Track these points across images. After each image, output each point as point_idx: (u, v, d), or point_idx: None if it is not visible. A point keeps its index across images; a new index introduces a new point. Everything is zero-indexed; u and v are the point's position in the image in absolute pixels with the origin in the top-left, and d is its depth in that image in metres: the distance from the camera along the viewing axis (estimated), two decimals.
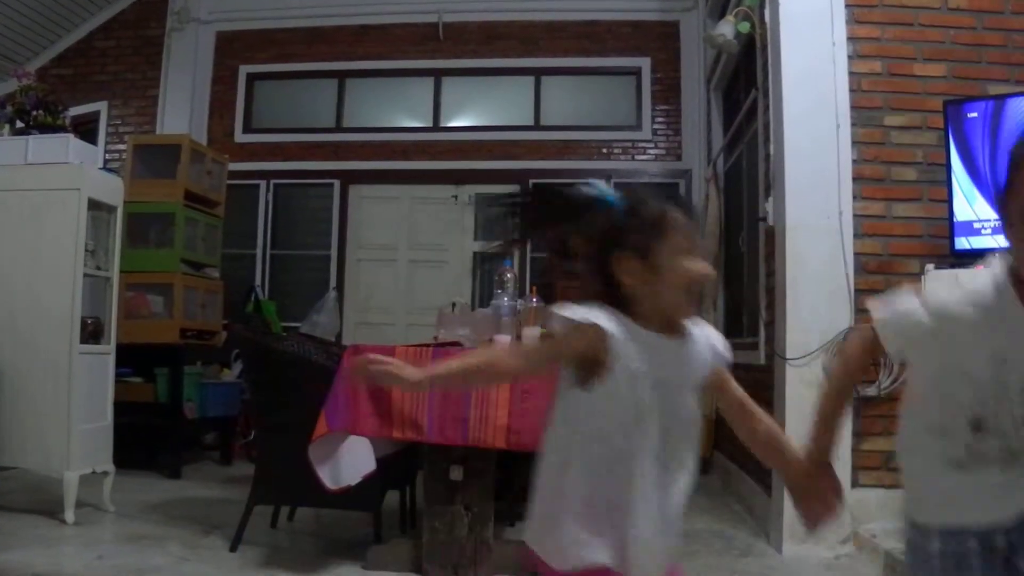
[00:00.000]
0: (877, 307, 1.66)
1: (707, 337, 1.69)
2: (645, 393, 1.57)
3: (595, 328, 1.55)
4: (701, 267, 1.59)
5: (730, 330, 6.52)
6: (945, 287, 1.58)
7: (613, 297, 1.60)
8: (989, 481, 1.53)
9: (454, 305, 4.58)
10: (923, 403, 1.66)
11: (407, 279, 8.17)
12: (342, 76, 8.43)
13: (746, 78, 5.86)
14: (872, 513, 4.04)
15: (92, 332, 4.63)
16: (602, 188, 1.66)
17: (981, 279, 1.55)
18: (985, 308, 1.52)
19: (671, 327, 1.63)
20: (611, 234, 1.61)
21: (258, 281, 8.07)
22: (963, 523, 1.55)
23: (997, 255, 1.57)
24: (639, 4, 8.08)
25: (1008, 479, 1.52)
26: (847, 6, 4.29)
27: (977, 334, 1.52)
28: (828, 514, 1.75)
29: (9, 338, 4.40)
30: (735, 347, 5.96)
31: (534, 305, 3.87)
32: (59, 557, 3.70)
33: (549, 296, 1.67)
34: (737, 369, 5.73)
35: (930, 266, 3.68)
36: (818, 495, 1.74)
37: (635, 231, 1.59)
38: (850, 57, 4.26)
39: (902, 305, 1.61)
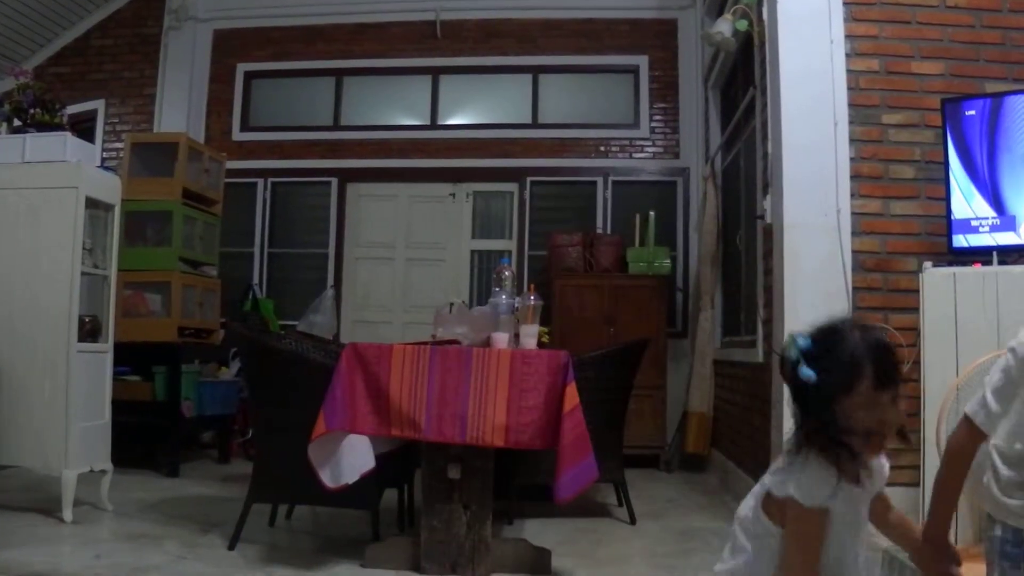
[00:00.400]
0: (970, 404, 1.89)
1: (881, 468, 1.82)
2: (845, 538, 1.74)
3: (824, 513, 1.68)
4: (883, 418, 1.67)
5: (728, 328, 6.53)
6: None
7: (833, 444, 1.67)
8: None
9: (452, 304, 4.58)
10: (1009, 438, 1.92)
11: (405, 277, 8.17)
12: (340, 74, 8.42)
13: (744, 76, 5.86)
14: None
15: (90, 331, 4.62)
16: (792, 342, 1.71)
17: None
18: None
19: (861, 470, 1.71)
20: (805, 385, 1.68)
21: (256, 279, 8.06)
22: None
23: None
24: (637, 2, 8.07)
25: None
26: (845, 4, 4.29)
27: None
28: None
29: (7, 337, 4.39)
30: (733, 345, 5.99)
31: (532, 303, 3.86)
32: (57, 556, 3.70)
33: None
34: (735, 367, 5.77)
35: (928, 264, 3.68)
36: (941, 570, 1.90)
37: (824, 379, 1.66)
38: (848, 55, 4.27)
39: (989, 386, 1.88)
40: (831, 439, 1.66)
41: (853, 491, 1.70)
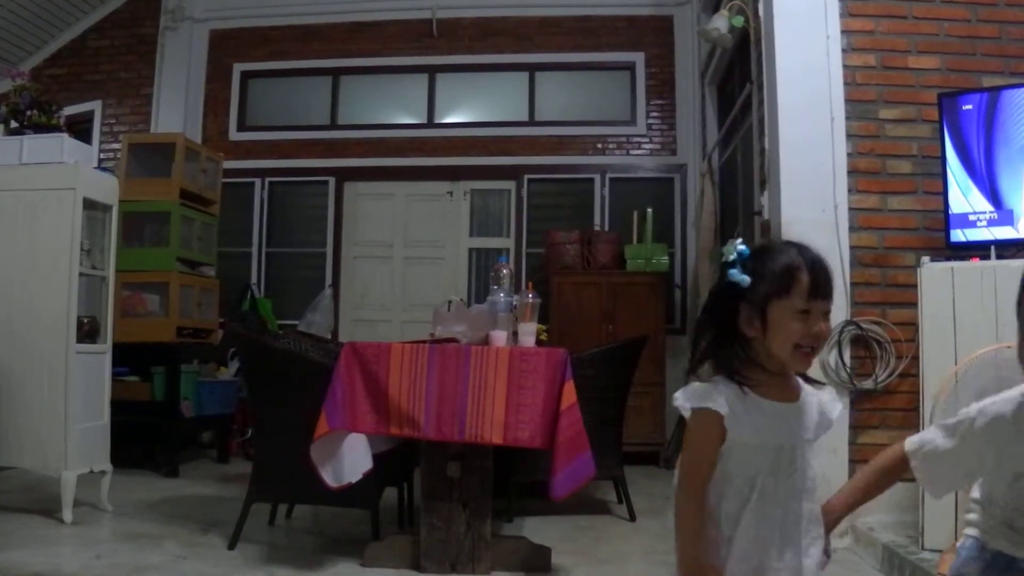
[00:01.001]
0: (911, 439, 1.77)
1: (819, 403, 1.76)
2: (762, 463, 1.66)
3: (712, 416, 1.64)
4: (814, 330, 1.64)
5: None
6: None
7: (735, 355, 1.68)
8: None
9: (450, 303, 4.58)
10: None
11: (403, 276, 8.17)
12: (336, 73, 8.41)
13: (740, 72, 5.86)
14: (869, 506, 4.02)
15: (88, 331, 4.62)
16: (732, 247, 1.71)
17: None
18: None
19: (786, 389, 1.70)
20: (732, 288, 1.68)
21: (254, 279, 8.06)
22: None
23: None
24: None
25: None
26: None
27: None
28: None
29: (5, 338, 4.39)
30: None
31: (530, 301, 3.87)
32: (57, 556, 3.70)
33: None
34: None
35: (926, 259, 3.68)
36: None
37: (757, 285, 1.66)
38: (844, 50, 4.27)
39: (928, 435, 1.74)
40: (732, 347, 1.68)
41: (781, 413, 1.68)
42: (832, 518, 1.77)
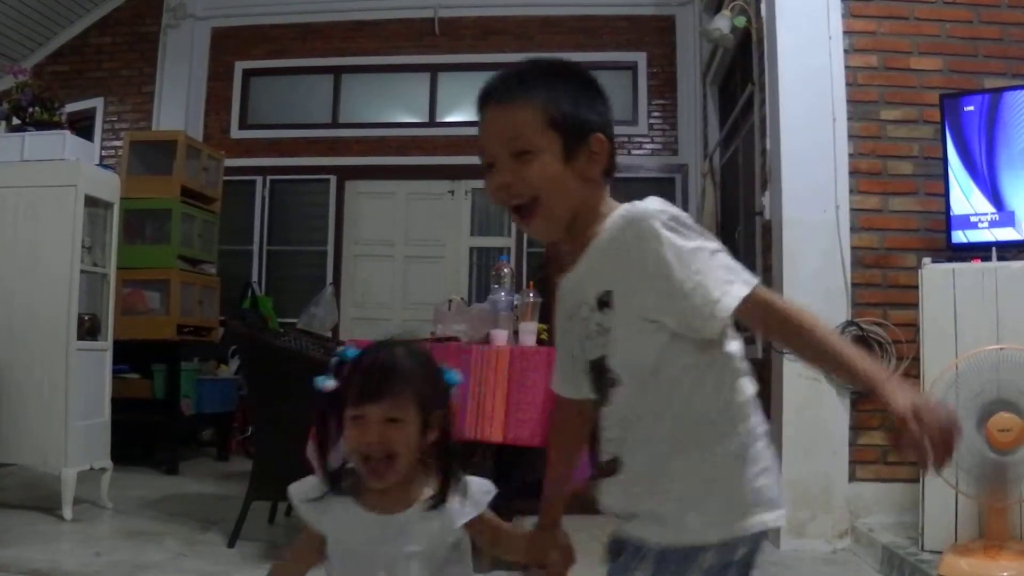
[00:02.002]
0: None
1: (448, 511, 1.60)
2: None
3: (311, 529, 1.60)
4: (364, 439, 1.51)
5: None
6: None
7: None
8: None
9: (451, 301, 4.57)
10: None
11: (403, 274, 8.17)
12: (338, 72, 8.41)
13: (742, 73, 5.86)
14: (869, 507, 4.05)
15: (89, 329, 4.62)
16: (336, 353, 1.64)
17: None
18: None
19: (394, 499, 1.57)
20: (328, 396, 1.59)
21: (255, 277, 8.06)
22: None
23: None
24: None
25: None
26: (843, 0, 4.29)
27: None
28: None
29: (6, 335, 4.39)
30: None
31: (531, 300, 3.86)
32: (57, 553, 3.70)
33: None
34: None
35: (927, 260, 3.68)
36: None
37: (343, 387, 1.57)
38: (846, 51, 4.26)
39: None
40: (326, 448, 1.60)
41: (372, 523, 1.56)
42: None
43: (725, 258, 1.38)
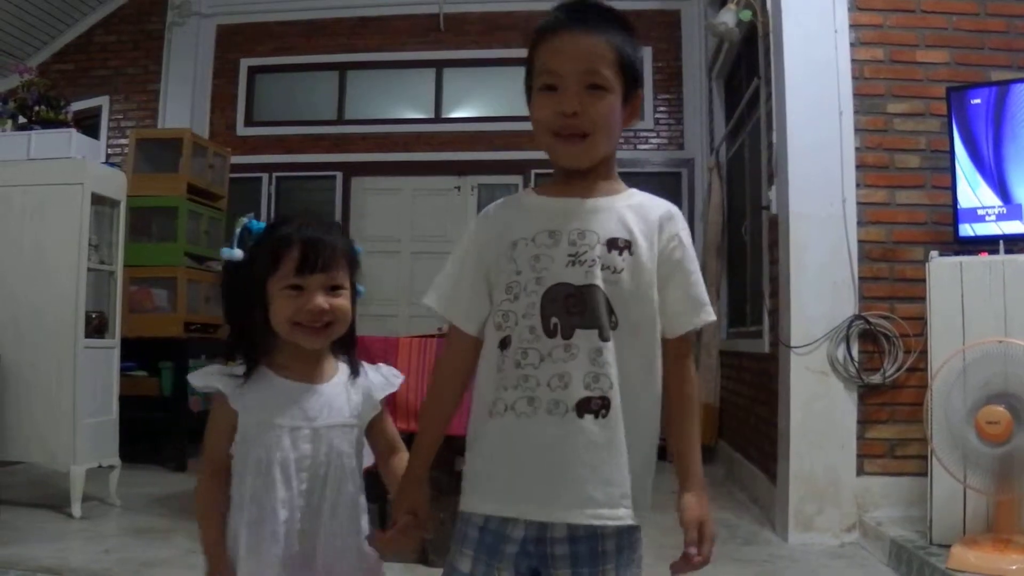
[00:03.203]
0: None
1: (366, 385, 1.69)
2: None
3: (218, 398, 1.61)
4: (299, 306, 1.57)
5: (734, 319, 6.52)
6: None
7: (254, 335, 1.63)
8: None
9: None
10: None
11: (410, 270, 8.17)
12: (343, 68, 8.41)
13: (748, 66, 5.84)
14: (877, 500, 4.05)
15: (96, 326, 4.63)
16: (239, 221, 1.70)
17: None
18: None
19: (313, 370, 1.63)
20: (243, 265, 1.64)
21: None
22: None
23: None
24: None
25: None
26: None
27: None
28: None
29: (14, 333, 4.40)
30: (739, 336, 5.98)
31: None
32: (65, 551, 3.71)
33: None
34: (741, 358, 5.76)
35: (934, 253, 3.67)
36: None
37: (255, 260, 1.62)
38: (852, 44, 4.25)
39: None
40: (238, 319, 1.64)
41: (292, 390, 1.60)
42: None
43: None
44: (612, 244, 1.44)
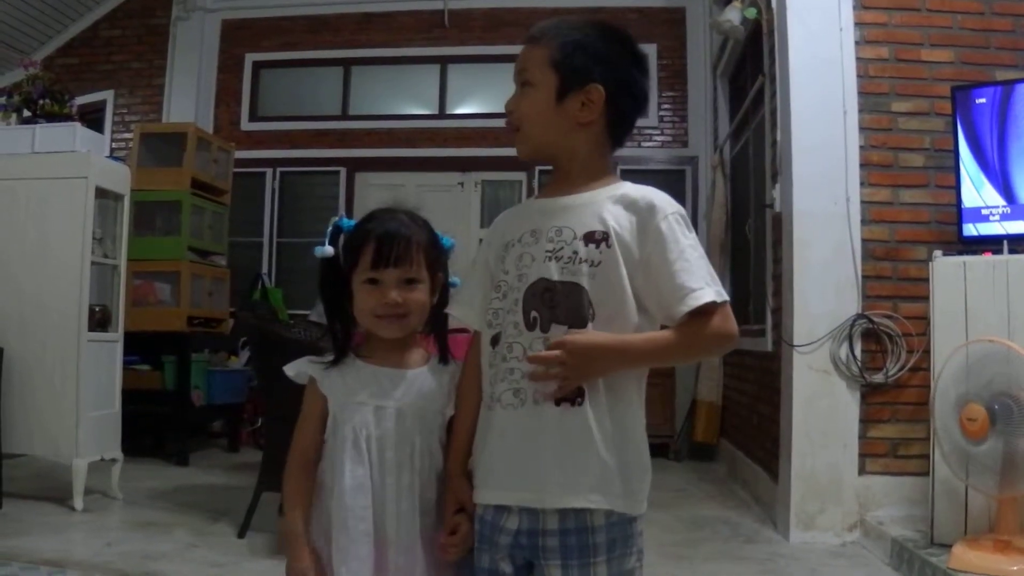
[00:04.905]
0: None
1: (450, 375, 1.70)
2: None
3: (310, 384, 1.74)
4: (377, 299, 1.62)
5: (737, 317, 6.51)
6: None
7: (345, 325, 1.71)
8: None
9: None
10: None
11: None
12: (347, 64, 8.42)
13: (753, 64, 5.84)
14: (879, 500, 4.05)
15: (100, 320, 4.64)
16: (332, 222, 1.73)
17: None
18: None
19: (398, 356, 1.68)
20: (333, 261, 1.70)
21: (265, 269, 8.07)
22: None
23: None
24: None
25: None
26: None
27: None
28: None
29: (18, 326, 4.41)
30: (742, 334, 5.96)
31: None
32: (68, 544, 3.72)
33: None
34: (744, 356, 5.76)
35: (938, 252, 3.66)
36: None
37: (346, 255, 1.68)
38: (857, 43, 4.24)
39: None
40: (333, 312, 1.71)
41: (379, 374, 1.65)
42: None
43: (709, 265, 1.52)
44: (589, 238, 1.49)
